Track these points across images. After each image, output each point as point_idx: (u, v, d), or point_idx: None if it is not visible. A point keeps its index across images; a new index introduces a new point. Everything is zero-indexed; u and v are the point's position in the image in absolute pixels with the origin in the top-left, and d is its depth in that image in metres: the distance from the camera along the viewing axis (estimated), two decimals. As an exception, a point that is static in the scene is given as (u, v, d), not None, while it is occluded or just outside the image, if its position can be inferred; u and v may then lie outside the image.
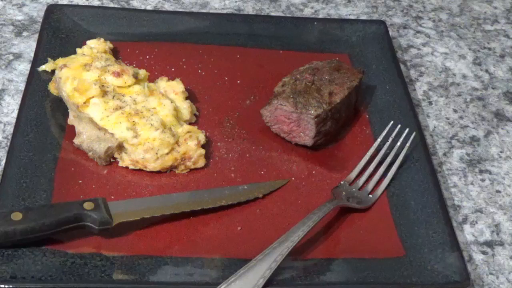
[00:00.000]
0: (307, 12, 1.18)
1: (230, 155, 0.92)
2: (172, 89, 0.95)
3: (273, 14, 1.16)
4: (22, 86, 0.98)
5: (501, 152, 0.99)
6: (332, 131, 0.93)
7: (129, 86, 0.93)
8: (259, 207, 0.86)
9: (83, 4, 1.13)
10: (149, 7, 1.14)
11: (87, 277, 0.75)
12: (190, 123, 0.94)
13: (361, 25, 1.11)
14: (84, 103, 0.89)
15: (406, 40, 1.16)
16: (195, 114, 0.96)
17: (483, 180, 0.95)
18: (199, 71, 1.02)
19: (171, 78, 0.98)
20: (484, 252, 0.86)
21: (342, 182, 0.89)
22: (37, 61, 0.97)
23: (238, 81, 1.02)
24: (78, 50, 0.98)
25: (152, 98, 0.92)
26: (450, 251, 0.81)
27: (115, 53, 1.02)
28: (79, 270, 0.76)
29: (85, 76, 0.92)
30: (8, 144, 0.89)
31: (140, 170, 0.88)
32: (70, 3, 1.12)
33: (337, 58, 1.01)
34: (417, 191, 0.88)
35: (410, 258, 0.81)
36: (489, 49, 1.16)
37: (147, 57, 1.03)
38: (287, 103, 0.91)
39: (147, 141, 0.87)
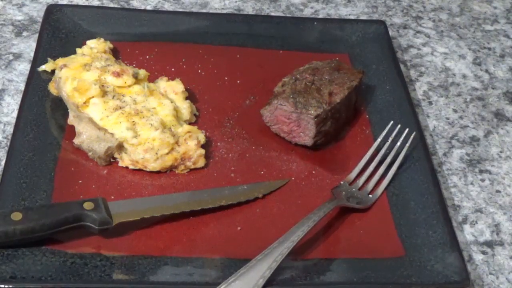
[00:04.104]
0: (307, 12, 1.18)
1: (230, 155, 0.92)
2: (172, 89, 0.95)
3: (273, 14, 1.16)
4: (22, 86, 0.98)
5: (501, 152, 0.99)
6: (332, 131, 0.93)
7: (129, 86, 0.93)
8: (259, 207, 0.86)
9: (83, 4, 1.13)
10: (149, 7, 1.14)
11: (87, 277, 0.75)
12: (190, 123, 0.94)
13: (361, 25, 1.11)
14: (84, 103, 0.89)
15: (406, 40, 1.16)
16: (195, 114, 0.96)
17: (483, 180, 0.95)
18: (199, 71, 1.02)
19: (171, 78, 0.98)
20: (484, 252, 0.86)
21: (342, 182, 0.89)
22: (37, 61, 0.97)
23: (238, 81, 1.02)
24: (78, 50, 0.98)
25: (152, 98, 0.92)
26: (450, 251, 0.81)
27: (115, 53, 1.02)
28: (79, 270, 0.76)
29: (85, 76, 0.92)
30: (8, 144, 0.89)
31: (140, 170, 0.88)
32: (70, 3, 1.12)
33: (337, 58, 1.01)
34: (417, 191, 0.88)
35: (410, 258, 0.81)
36: (489, 49, 1.16)
37: (147, 57, 1.03)
38: (287, 103, 0.91)
39: (147, 141, 0.87)
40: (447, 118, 1.03)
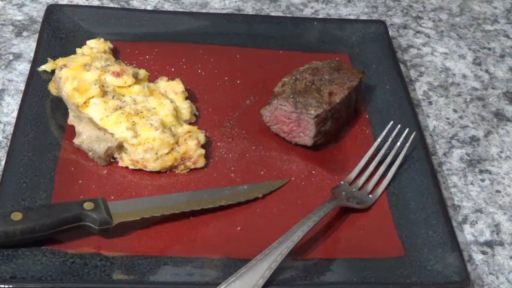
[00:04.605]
0: (307, 12, 1.18)
1: (230, 155, 0.92)
2: (172, 89, 0.95)
3: (273, 14, 1.16)
4: (22, 86, 0.98)
5: (501, 152, 0.99)
6: (332, 131, 0.93)
7: (129, 86, 0.93)
8: (259, 207, 0.86)
9: (83, 4, 1.13)
10: (149, 7, 1.14)
11: (87, 277, 0.75)
12: (190, 123, 0.94)
13: (361, 25, 1.11)
14: (84, 103, 0.90)
15: (406, 40, 1.16)
16: (195, 114, 0.96)
17: (483, 180, 0.95)
18: (199, 71, 1.02)
19: (171, 78, 0.98)
20: (484, 252, 0.86)
21: (342, 182, 0.89)
22: (37, 61, 0.97)
23: (238, 81, 1.02)
24: (78, 50, 0.98)
25: (152, 98, 0.92)
26: (450, 251, 0.81)
27: (115, 53, 1.02)
28: (79, 270, 0.76)
29: (85, 76, 0.92)
30: (8, 144, 0.89)
31: (140, 170, 0.88)
32: (70, 3, 1.12)
33: (337, 58, 1.01)
34: (417, 191, 0.88)
35: (410, 258, 0.81)
36: (489, 49, 1.16)
37: (147, 57, 1.03)
38: (287, 103, 0.91)
39: (147, 141, 0.87)
40: (447, 118, 1.03)
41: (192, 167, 0.89)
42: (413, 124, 0.95)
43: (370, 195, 0.88)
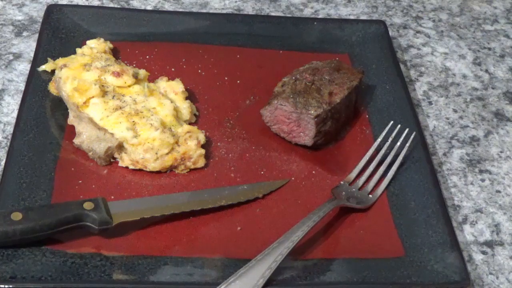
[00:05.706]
0: (307, 12, 1.18)
1: (230, 155, 0.92)
2: (172, 89, 0.95)
3: (273, 14, 1.16)
4: (22, 86, 0.98)
5: (501, 152, 0.99)
6: (332, 131, 0.93)
7: (129, 86, 0.93)
8: (259, 207, 0.86)
9: (83, 4, 1.13)
10: (149, 7, 1.14)
11: (87, 277, 0.75)
12: (190, 123, 0.94)
13: (361, 25, 1.11)
14: (84, 103, 0.89)
15: (406, 40, 1.16)
16: (195, 114, 0.96)
17: (483, 180, 0.95)
18: (199, 71, 1.02)
19: (171, 78, 0.98)
20: (484, 252, 0.86)
21: (342, 182, 0.89)
22: (37, 61, 0.97)
23: (238, 81, 1.02)
24: (78, 50, 0.98)
25: (152, 98, 0.92)
26: (450, 251, 0.81)
27: (115, 53, 1.02)
28: (79, 270, 0.76)
29: (85, 76, 0.92)
30: (8, 144, 0.89)
31: (140, 170, 0.88)
32: (70, 3, 1.12)
33: (337, 58, 1.01)
34: (417, 191, 0.88)
35: (410, 258, 0.81)
36: (489, 49, 1.16)
37: (147, 57, 1.03)
38: (287, 103, 0.91)
39: (147, 141, 0.87)
40: (447, 118, 1.03)
41: (192, 167, 0.89)
42: (413, 124, 0.95)
43: (370, 195, 0.88)
